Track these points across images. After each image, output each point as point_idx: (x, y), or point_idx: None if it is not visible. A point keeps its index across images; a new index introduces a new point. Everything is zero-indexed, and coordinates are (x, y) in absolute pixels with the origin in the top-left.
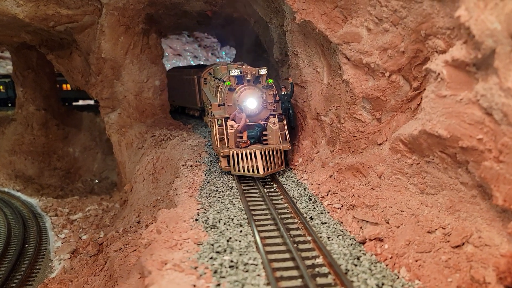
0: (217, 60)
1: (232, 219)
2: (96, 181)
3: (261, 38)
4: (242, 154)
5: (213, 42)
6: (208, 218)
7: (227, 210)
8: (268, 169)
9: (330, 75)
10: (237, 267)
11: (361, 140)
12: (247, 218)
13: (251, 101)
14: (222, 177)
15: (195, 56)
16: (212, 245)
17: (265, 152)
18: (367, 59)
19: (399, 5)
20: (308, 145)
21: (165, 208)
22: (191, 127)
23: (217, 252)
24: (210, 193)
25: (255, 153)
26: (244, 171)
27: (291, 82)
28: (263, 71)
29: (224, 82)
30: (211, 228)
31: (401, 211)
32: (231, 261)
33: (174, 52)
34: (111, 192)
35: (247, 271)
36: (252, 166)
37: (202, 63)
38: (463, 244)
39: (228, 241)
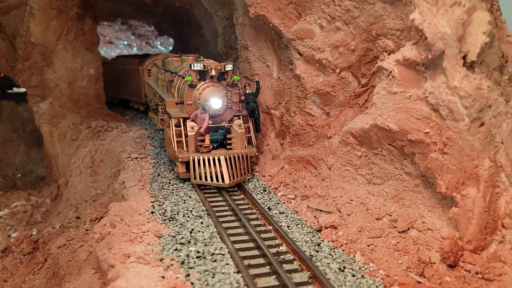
0: (152, 50)
1: (191, 211)
2: (19, 175)
3: (204, 29)
4: (204, 160)
5: (149, 31)
6: (165, 210)
7: (184, 202)
8: (234, 178)
9: (280, 69)
10: (204, 257)
11: (310, 133)
12: (206, 210)
13: (215, 101)
14: (173, 170)
15: (128, 45)
16: (173, 237)
17: (230, 158)
18: (319, 56)
19: (352, 5)
20: (257, 138)
21: (108, 201)
22: (129, 118)
23: (181, 243)
24: (162, 186)
25: (219, 159)
26: (206, 179)
27: (257, 80)
28: (229, 67)
29: (183, 77)
30: (170, 220)
31: (351, 200)
32: (198, 252)
33: (105, 40)
34: (37, 186)
35: (215, 260)
36: (216, 174)
37: (136, 52)
38: (408, 229)
39: (191, 232)
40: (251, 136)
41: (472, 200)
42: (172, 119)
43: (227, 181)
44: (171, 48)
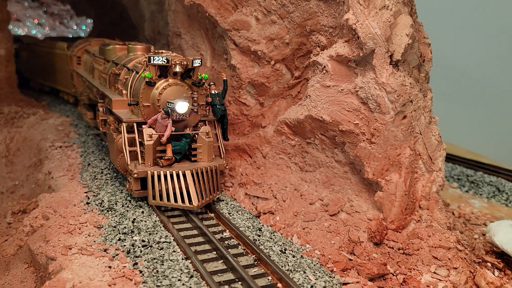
0: (66, 31)
1: (130, 201)
2: None
3: (130, 12)
4: (165, 176)
5: (63, 10)
6: (102, 200)
7: (121, 192)
8: (203, 197)
9: (214, 58)
10: (151, 246)
11: (245, 123)
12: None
13: (181, 104)
14: (104, 159)
15: (39, 24)
16: (115, 227)
17: (197, 173)
18: (255, 47)
19: (287, 0)
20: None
21: (30, 193)
22: (46, 104)
23: (124, 233)
24: (95, 176)
25: (184, 175)
26: (168, 200)
27: (225, 78)
28: (197, 63)
29: (137, 72)
30: (108, 211)
31: (285, 187)
32: (143, 241)
33: (12, 17)
34: None
35: (161, 248)
36: (180, 192)
37: (49, 32)
38: (338, 212)
39: (133, 222)
40: (219, 146)
41: (394, 184)
42: (124, 124)
43: (195, 202)
44: (89, 30)
